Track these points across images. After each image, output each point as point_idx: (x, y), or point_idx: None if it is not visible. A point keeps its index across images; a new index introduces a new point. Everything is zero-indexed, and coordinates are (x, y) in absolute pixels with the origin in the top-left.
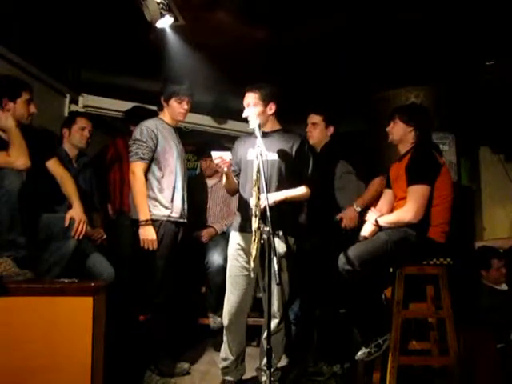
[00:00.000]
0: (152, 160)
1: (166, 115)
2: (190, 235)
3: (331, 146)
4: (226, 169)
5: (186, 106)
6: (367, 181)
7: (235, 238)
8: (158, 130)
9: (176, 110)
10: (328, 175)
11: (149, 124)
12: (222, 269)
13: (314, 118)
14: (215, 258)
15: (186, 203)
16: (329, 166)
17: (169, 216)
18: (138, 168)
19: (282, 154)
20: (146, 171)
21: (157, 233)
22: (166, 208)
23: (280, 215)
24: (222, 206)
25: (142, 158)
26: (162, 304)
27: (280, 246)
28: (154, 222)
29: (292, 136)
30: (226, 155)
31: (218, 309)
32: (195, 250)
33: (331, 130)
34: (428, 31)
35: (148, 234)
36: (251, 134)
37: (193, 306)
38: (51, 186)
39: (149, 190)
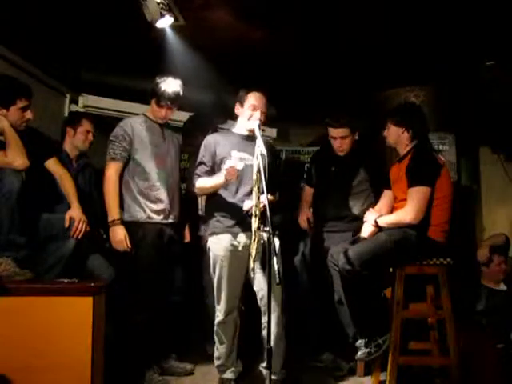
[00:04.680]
0: (129, 160)
1: (149, 111)
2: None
3: (355, 151)
4: (233, 178)
5: (163, 113)
6: (378, 188)
7: (226, 240)
8: (134, 129)
9: (155, 112)
10: (348, 181)
11: (124, 124)
12: None
13: (343, 132)
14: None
15: (174, 202)
16: (351, 172)
17: (148, 217)
18: (109, 168)
19: (264, 158)
20: (124, 171)
21: (136, 234)
22: (146, 209)
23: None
24: None
25: (113, 159)
26: (149, 306)
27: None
28: (132, 224)
29: (266, 143)
30: (239, 165)
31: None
32: (195, 248)
33: (357, 134)
34: (428, 31)
35: (115, 234)
36: (225, 131)
37: (192, 306)
38: (51, 185)
39: (127, 190)
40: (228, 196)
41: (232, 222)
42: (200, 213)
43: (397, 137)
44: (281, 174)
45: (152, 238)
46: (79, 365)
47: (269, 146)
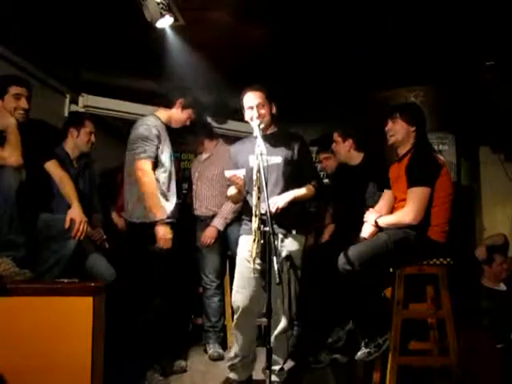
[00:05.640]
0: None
1: (164, 114)
2: (185, 233)
3: (366, 165)
4: (240, 184)
5: (190, 118)
6: None
7: (247, 242)
8: (160, 130)
9: (180, 116)
10: (362, 193)
11: (152, 123)
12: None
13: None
14: (211, 278)
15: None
16: (363, 186)
17: (167, 217)
18: (147, 166)
19: (284, 156)
20: None
21: (154, 235)
22: (166, 210)
23: (290, 214)
24: (212, 184)
25: (149, 157)
26: (161, 304)
27: (293, 244)
28: (150, 225)
29: (292, 137)
30: (240, 173)
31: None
32: (191, 249)
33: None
34: (428, 31)
35: (165, 233)
36: (247, 138)
37: (192, 307)
38: (50, 185)
39: (141, 193)
40: (250, 199)
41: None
42: (196, 213)
43: (406, 134)
44: (313, 163)
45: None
46: (79, 365)
47: (297, 137)
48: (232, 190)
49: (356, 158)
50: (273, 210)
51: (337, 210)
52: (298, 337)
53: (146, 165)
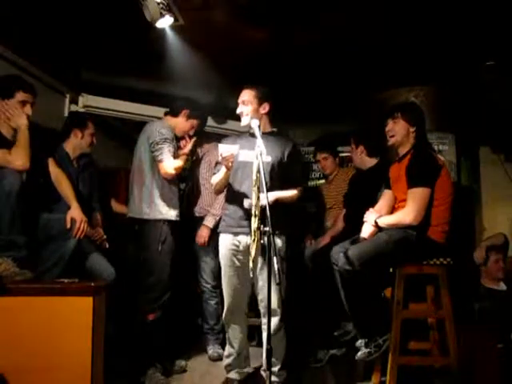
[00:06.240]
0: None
1: (171, 121)
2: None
3: (377, 171)
4: (230, 164)
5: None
6: None
7: (228, 239)
8: (173, 133)
9: (184, 124)
10: (371, 196)
11: (169, 127)
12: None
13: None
14: (207, 280)
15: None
16: (372, 189)
17: (176, 216)
18: (172, 162)
19: (274, 156)
20: (153, 173)
21: (161, 233)
22: (169, 209)
23: (272, 215)
24: (204, 183)
25: (173, 156)
26: (165, 304)
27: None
28: (157, 222)
29: (284, 140)
30: (234, 149)
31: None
32: (190, 249)
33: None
34: (428, 31)
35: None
36: (240, 134)
37: (191, 306)
38: (50, 185)
39: (164, 190)
40: (232, 195)
41: (234, 222)
42: (194, 213)
43: (406, 133)
44: (300, 170)
45: (172, 237)
46: (79, 365)
47: (289, 141)
48: (218, 176)
49: (368, 163)
50: (246, 205)
51: (347, 213)
52: (296, 337)
53: (171, 162)
